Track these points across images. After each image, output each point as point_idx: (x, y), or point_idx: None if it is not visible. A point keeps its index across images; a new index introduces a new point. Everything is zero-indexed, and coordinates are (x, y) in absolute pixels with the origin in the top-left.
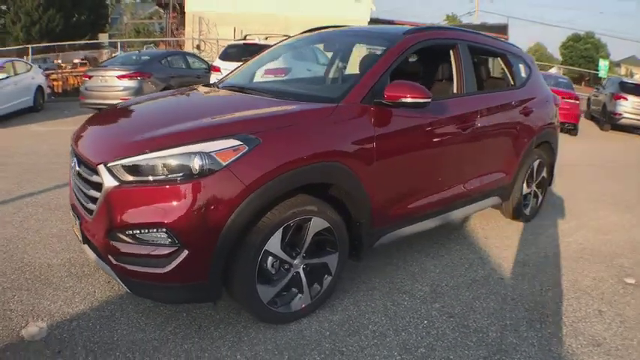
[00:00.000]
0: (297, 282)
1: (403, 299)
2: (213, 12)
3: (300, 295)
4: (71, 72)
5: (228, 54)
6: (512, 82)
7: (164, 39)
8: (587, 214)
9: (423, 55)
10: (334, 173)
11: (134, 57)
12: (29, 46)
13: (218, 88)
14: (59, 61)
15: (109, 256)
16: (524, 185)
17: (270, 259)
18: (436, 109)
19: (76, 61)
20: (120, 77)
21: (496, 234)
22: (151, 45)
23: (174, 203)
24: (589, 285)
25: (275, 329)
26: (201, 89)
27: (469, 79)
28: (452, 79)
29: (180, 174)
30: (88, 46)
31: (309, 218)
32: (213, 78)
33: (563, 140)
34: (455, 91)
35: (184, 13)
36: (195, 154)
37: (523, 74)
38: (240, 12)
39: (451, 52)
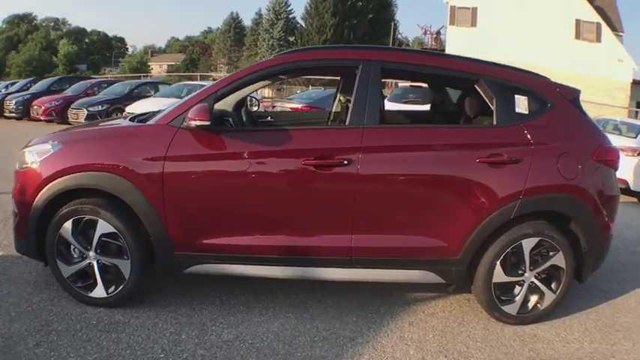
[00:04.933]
0: (92, 273)
1: (181, 330)
2: None
3: (97, 285)
4: None
5: (395, 95)
6: (494, 119)
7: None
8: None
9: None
10: (116, 185)
11: (313, 94)
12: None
13: None
14: None
15: None
16: (499, 269)
17: (72, 243)
18: (267, 139)
19: None
20: (292, 109)
21: (434, 325)
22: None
23: (18, 183)
24: None
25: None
26: None
27: (362, 107)
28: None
29: (26, 164)
30: None
31: (96, 219)
32: None
33: None
34: (347, 122)
35: None
36: (30, 152)
37: (520, 110)
38: (501, 60)
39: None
